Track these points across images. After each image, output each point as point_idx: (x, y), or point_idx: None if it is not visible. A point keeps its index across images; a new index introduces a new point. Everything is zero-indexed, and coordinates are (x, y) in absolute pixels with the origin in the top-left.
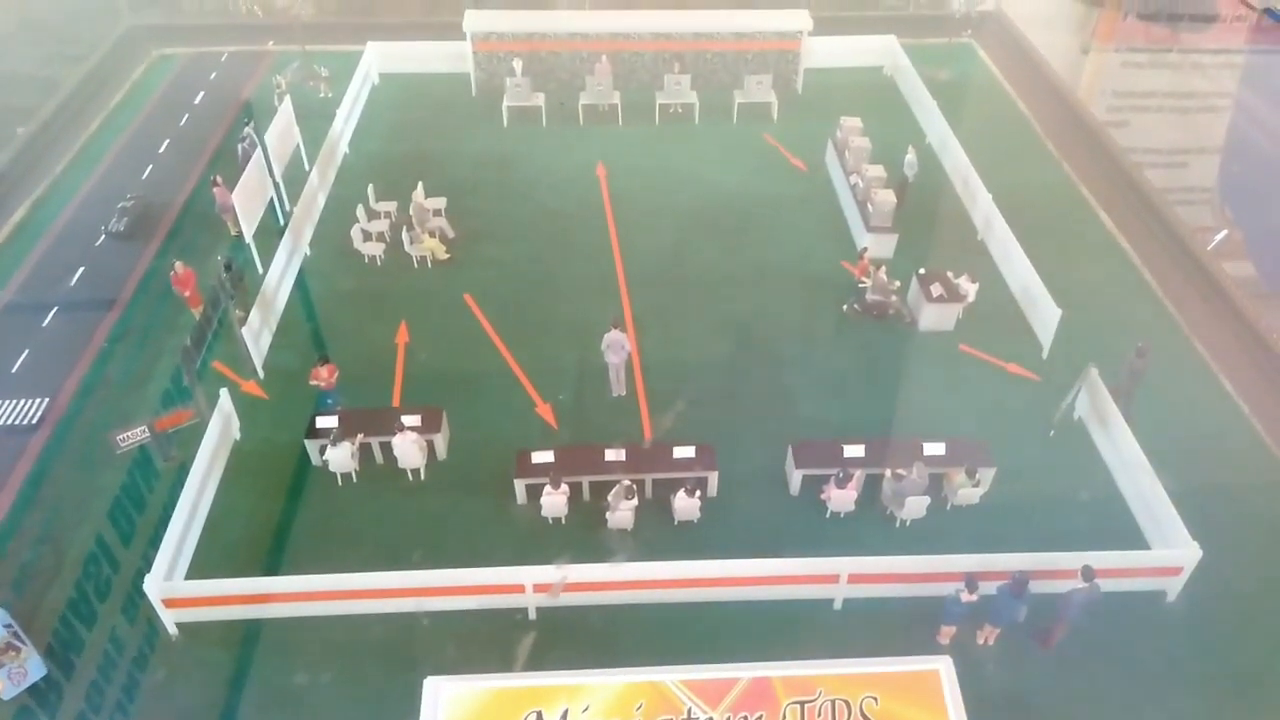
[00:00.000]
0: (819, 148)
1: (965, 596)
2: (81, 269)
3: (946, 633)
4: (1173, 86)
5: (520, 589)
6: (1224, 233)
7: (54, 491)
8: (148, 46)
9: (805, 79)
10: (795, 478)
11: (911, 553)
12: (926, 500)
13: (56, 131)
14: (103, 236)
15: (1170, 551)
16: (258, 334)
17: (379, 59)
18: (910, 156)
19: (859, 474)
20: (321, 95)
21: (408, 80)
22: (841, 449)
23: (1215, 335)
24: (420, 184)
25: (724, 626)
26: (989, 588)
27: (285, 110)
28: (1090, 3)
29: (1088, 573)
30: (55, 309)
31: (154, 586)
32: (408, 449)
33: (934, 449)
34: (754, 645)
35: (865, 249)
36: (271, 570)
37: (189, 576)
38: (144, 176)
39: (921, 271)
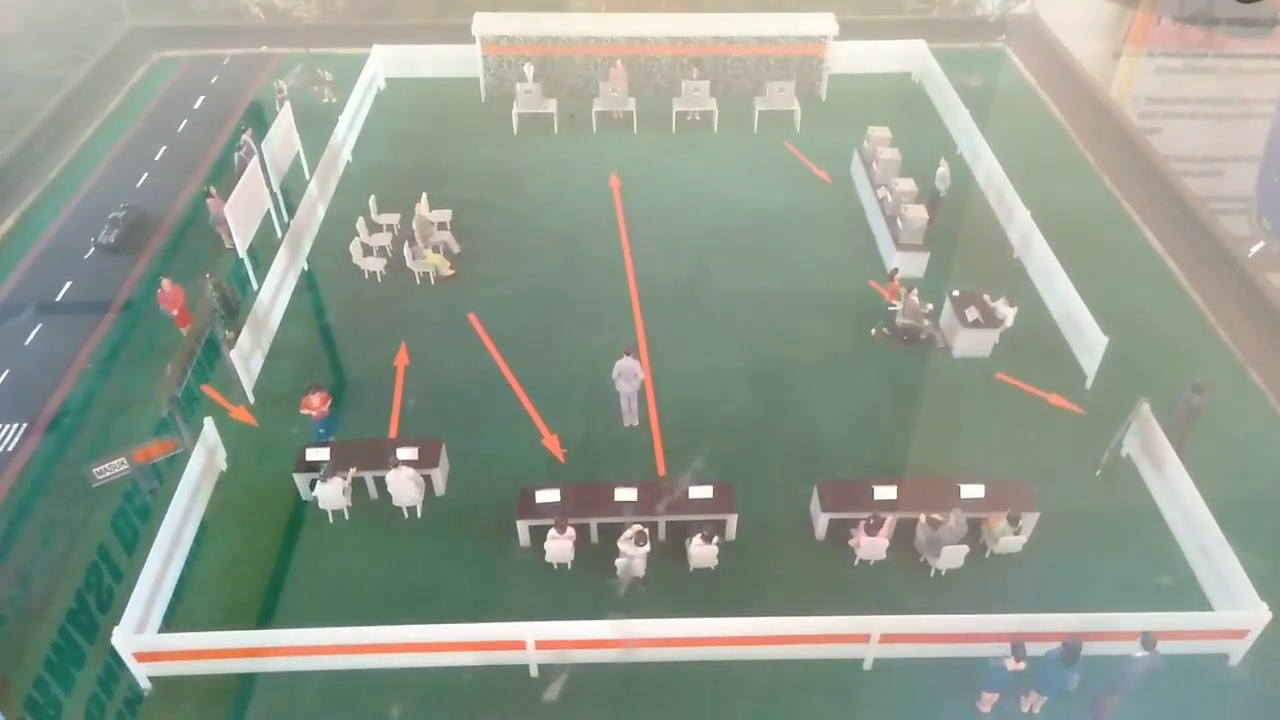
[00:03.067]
0: (844, 159)
1: (1011, 664)
2: (69, 283)
3: (988, 700)
4: (1209, 92)
5: (521, 645)
6: (1261, 244)
7: (26, 525)
8: (149, 49)
9: (830, 85)
10: (821, 521)
11: (948, 606)
12: (964, 549)
13: (51, 137)
14: (92, 249)
15: (1235, 614)
16: (248, 356)
17: (385, 63)
18: (943, 169)
19: (890, 519)
20: (325, 100)
21: (415, 85)
22: (872, 490)
23: (1273, 364)
24: (424, 195)
25: (743, 687)
26: (1035, 648)
27: (285, 116)
28: (1124, 4)
29: (1148, 641)
30: (39, 326)
31: (124, 640)
32: (403, 485)
33: (972, 491)
34: (776, 709)
35: (896, 270)
36: (253, 618)
37: (164, 624)
38: (138, 185)
39: (955, 293)
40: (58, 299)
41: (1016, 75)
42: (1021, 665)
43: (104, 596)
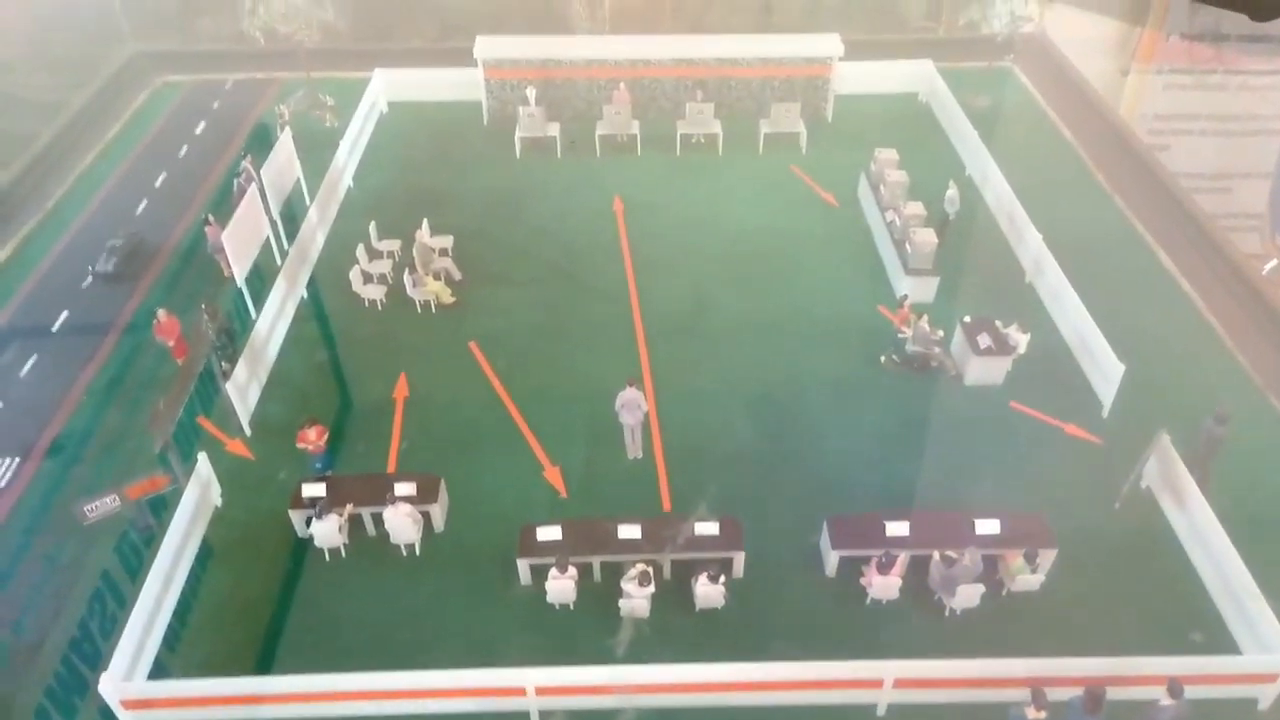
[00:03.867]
0: (851, 181)
1: (1031, 713)
2: (66, 313)
3: None
4: (1218, 109)
5: (521, 692)
6: (1274, 261)
7: (16, 565)
8: (151, 74)
9: (836, 107)
10: (832, 558)
11: (965, 648)
12: (980, 588)
13: (51, 162)
14: (90, 277)
15: (1264, 657)
16: (245, 387)
17: (387, 87)
18: (952, 192)
19: (903, 557)
20: (327, 125)
21: (417, 109)
22: (884, 526)
23: None
24: (425, 221)
25: None
26: (1057, 694)
27: (285, 142)
28: (1132, 22)
29: (1175, 689)
30: (34, 357)
31: (110, 687)
32: (400, 523)
33: (987, 527)
34: None
35: (906, 296)
36: (247, 662)
37: (155, 668)
38: (138, 212)
39: (966, 320)
40: (54, 328)
41: (1025, 94)
42: (1043, 714)
43: (106, 628)
